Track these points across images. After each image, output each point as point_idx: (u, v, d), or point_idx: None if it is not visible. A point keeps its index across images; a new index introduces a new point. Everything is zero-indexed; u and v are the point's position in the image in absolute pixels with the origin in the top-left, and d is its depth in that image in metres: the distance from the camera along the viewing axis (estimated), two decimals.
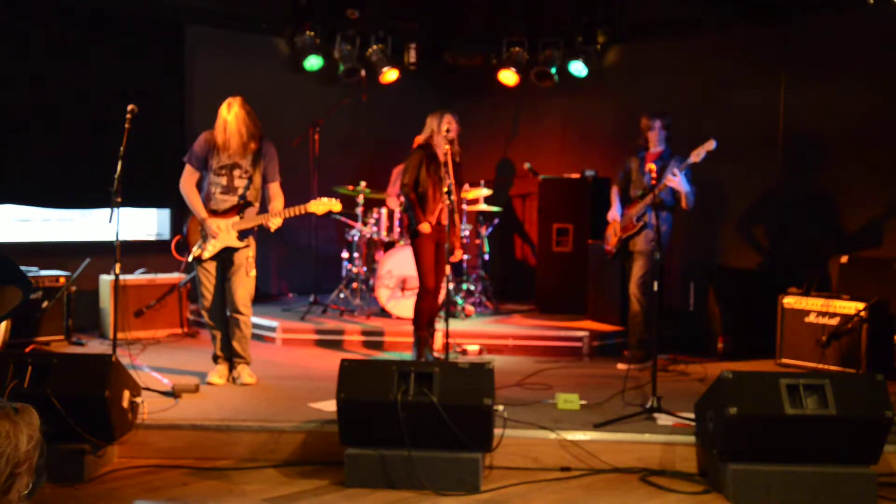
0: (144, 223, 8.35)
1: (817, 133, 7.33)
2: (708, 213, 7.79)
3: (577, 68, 8.69)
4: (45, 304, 6.84)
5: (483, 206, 8.26)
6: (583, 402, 5.11)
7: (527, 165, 8.75)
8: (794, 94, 7.43)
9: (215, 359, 5.74)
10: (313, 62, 8.77)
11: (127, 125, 5.20)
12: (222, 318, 5.69)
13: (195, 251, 5.59)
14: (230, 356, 5.71)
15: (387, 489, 4.16)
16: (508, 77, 8.97)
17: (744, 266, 7.42)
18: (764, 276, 7.18)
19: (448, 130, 6.10)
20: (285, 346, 7.21)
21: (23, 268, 5.11)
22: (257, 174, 5.55)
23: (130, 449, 4.52)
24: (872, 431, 4.07)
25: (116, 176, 5.11)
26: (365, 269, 7.94)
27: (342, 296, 8.07)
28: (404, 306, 7.41)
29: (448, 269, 6.06)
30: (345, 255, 8.20)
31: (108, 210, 5.11)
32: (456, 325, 6.94)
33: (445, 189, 5.94)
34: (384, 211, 7.96)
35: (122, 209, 5.16)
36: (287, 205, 5.58)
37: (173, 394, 5.13)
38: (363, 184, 8.04)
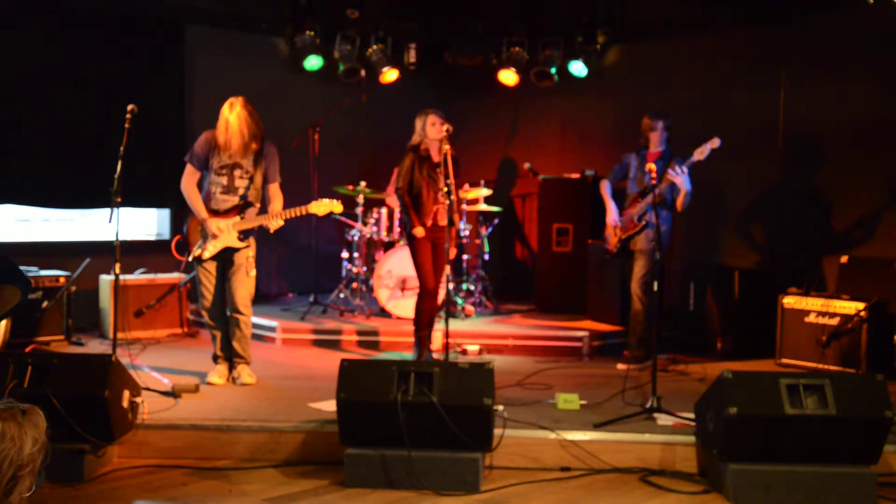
0: (144, 223, 8.35)
1: (817, 133, 7.32)
2: (708, 213, 7.79)
3: (577, 68, 8.69)
4: (45, 304, 6.84)
5: (483, 206, 8.25)
6: (583, 402, 5.11)
7: (527, 165, 8.75)
8: (794, 94, 7.43)
9: (215, 359, 5.74)
10: (313, 62, 8.77)
11: (127, 125, 5.20)
12: (222, 318, 5.69)
13: (195, 251, 5.59)
14: (230, 356, 5.71)
15: (387, 489, 4.16)
16: (508, 77, 8.97)
17: (744, 266, 7.42)
18: (764, 276, 7.17)
19: (435, 128, 6.09)
20: (285, 346, 7.21)
21: (23, 268, 5.12)
22: (258, 174, 5.55)
23: (130, 449, 4.52)
24: (872, 431, 4.07)
25: (116, 176, 5.11)
26: (365, 269, 7.94)
27: (342, 296, 8.07)
28: (404, 306, 7.40)
29: (448, 268, 6.06)
30: (345, 255, 8.20)
31: (108, 210, 5.11)
32: (456, 325, 6.94)
33: (445, 189, 5.93)
34: (384, 211, 7.96)
35: (122, 209, 5.17)
36: (287, 205, 5.58)
37: (173, 394, 5.13)
38: (363, 184, 8.04)
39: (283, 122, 8.16)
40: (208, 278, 5.63)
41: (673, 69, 8.23)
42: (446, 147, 6.01)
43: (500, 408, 4.62)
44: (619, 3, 8.65)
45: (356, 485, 4.19)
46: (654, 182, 5.89)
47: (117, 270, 5.20)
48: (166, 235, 8.36)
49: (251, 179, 5.55)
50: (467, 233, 8.01)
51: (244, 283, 5.61)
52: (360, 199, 7.99)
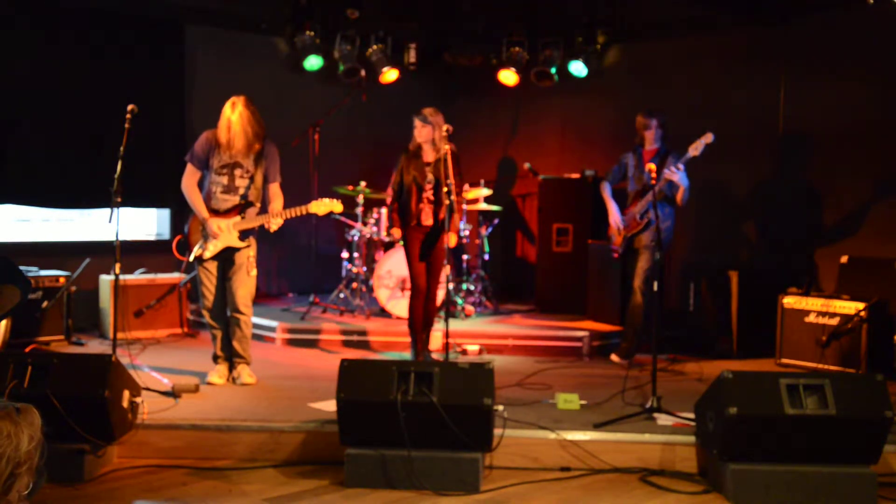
0: (144, 223, 8.35)
1: (817, 133, 7.33)
2: (708, 212, 7.80)
3: (577, 68, 8.69)
4: (45, 304, 6.83)
5: (483, 206, 8.25)
6: (583, 402, 5.12)
7: (527, 165, 8.75)
8: (794, 93, 7.43)
9: (215, 359, 5.74)
10: (313, 62, 8.77)
11: (127, 125, 5.20)
12: (223, 318, 5.69)
13: (196, 251, 5.60)
14: (230, 356, 5.71)
15: (387, 489, 4.16)
16: (508, 77, 8.96)
17: (744, 266, 7.42)
18: (764, 276, 7.17)
19: (417, 131, 6.11)
20: (285, 346, 7.20)
21: (23, 268, 5.12)
22: (258, 174, 5.55)
23: (130, 449, 4.52)
24: (872, 431, 4.07)
25: (116, 176, 5.11)
26: (365, 269, 7.93)
27: (342, 296, 8.07)
28: (404, 306, 7.38)
29: (448, 268, 6.05)
30: (345, 255, 8.20)
31: (108, 210, 5.11)
32: (456, 325, 6.94)
33: (445, 189, 5.92)
34: (384, 211, 7.95)
35: (122, 209, 5.16)
36: (287, 205, 5.58)
37: (173, 394, 5.13)
38: (363, 184, 8.03)
39: (283, 122, 8.15)
40: (209, 278, 5.63)
41: (673, 69, 8.23)
42: (446, 147, 6.01)
43: (500, 408, 4.62)
44: (619, 3, 8.65)
45: (356, 485, 4.19)
46: (653, 181, 5.88)
47: (117, 270, 5.20)
48: (166, 235, 8.36)
49: (251, 179, 5.55)
50: (467, 233, 8.01)
51: (245, 283, 5.61)
52: (360, 199, 7.99)
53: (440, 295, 6.48)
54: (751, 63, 7.73)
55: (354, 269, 7.99)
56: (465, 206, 7.96)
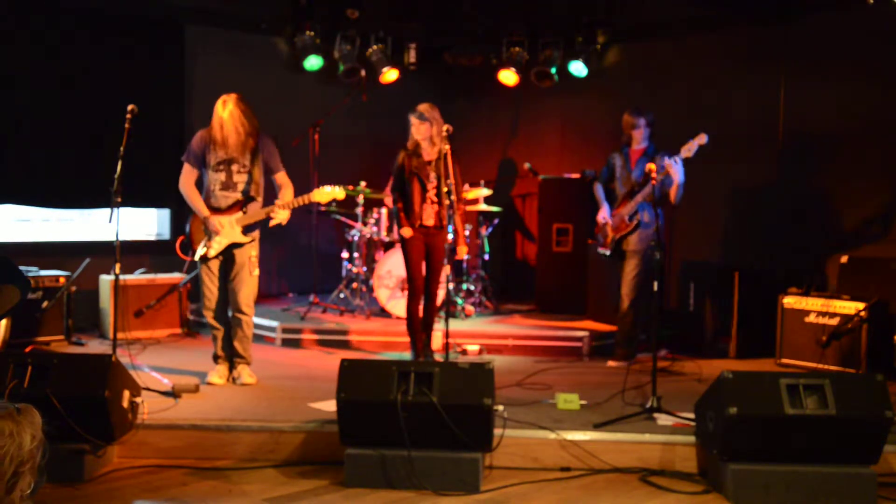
0: (144, 223, 8.35)
1: (817, 133, 7.33)
2: (708, 212, 7.80)
3: (577, 68, 8.69)
4: (45, 304, 6.83)
5: (483, 206, 8.25)
6: (583, 402, 5.11)
7: (527, 165, 8.75)
8: (794, 93, 7.43)
9: (216, 359, 5.74)
10: (313, 62, 8.77)
11: (127, 125, 5.20)
12: (224, 319, 5.69)
13: (200, 250, 5.59)
14: (231, 356, 5.71)
15: (387, 489, 4.16)
16: (508, 77, 8.96)
17: (744, 266, 7.42)
18: (764, 276, 7.17)
19: (415, 129, 6.06)
20: (285, 346, 7.20)
21: (23, 268, 5.13)
22: (256, 169, 5.56)
23: (130, 449, 4.52)
24: (872, 431, 4.07)
25: (116, 176, 5.11)
26: (365, 269, 7.93)
27: (342, 296, 8.07)
28: (404, 306, 7.37)
29: (448, 269, 6.04)
30: (345, 255, 8.20)
31: (108, 210, 5.11)
32: (456, 325, 6.93)
33: (445, 189, 5.92)
34: (384, 211, 7.96)
35: (122, 209, 5.17)
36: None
37: (173, 394, 5.13)
38: (363, 184, 8.03)
39: (283, 122, 8.15)
40: (211, 279, 5.63)
41: (673, 69, 8.23)
42: (446, 147, 5.98)
43: (500, 408, 4.62)
44: (619, 3, 8.65)
45: (356, 485, 4.19)
46: (654, 182, 5.87)
47: (117, 270, 5.20)
48: (166, 235, 8.36)
49: (249, 174, 5.56)
50: (467, 233, 8.00)
51: (247, 283, 5.61)
52: (360, 199, 7.99)
53: (440, 295, 6.47)
54: (751, 63, 7.73)
55: (354, 269, 7.99)
56: (465, 208, 7.96)
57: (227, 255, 5.60)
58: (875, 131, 6.98)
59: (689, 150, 5.92)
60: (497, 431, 4.36)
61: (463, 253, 6.40)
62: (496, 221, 8.59)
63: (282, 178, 5.66)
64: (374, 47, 8.86)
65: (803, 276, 6.82)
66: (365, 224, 7.97)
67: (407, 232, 6.13)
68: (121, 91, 7.32)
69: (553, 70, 8.78)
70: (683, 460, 4.47)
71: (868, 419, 4.05)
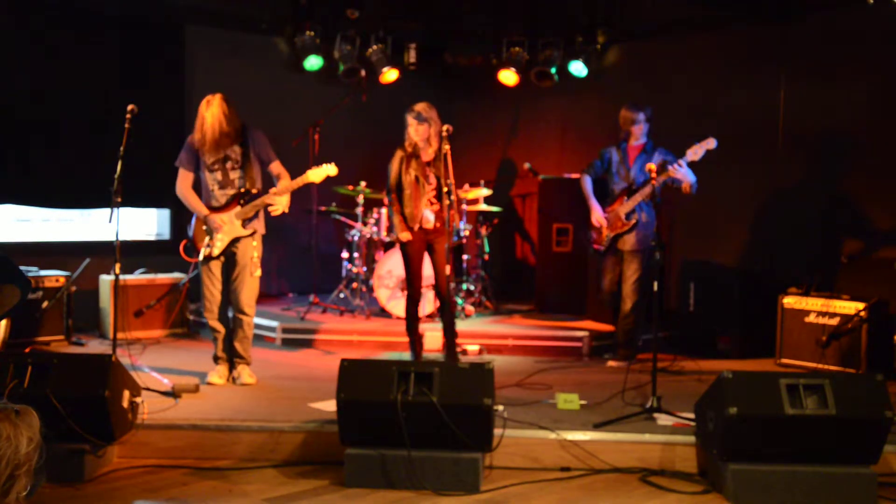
0: (144, 223, 8.35)
1: (817, 133, 7.32)
2: (708, 212, 7.79)
3: (577, 68, 8.69)
4: (45, 304, 6.83)
5: (483, 206, 8.25)
6: (583, 402, 5.11)
7: (527, 165, 8.74)
8: (794, 93, 7.43)
9: (216, 359, 5.74)
10: (313, 62, 8.77)
11: (127, 125, 5.21)
12: (225, 320, 5.70)
13: (204, 251, 5.59)
14: (231, 357, 5.71)
15: (387, 489, 4.16)
16: (508, 77, 8.96)
17: (744, 266, 7.42)
18: (764, 276, 7.17)
19: (413, 129, 5.97)
20: (285, 346, 7.20)
21: (23, 268, 5.12)
22: (249, 163, 5.56)
23: (130, 449, 4.52)
24: (872, 431, 4.07)
25: (116, 176, 5.11)
26: (365, 269, 7.93)
27: (342, 296, 8.07)
28: (404, 306, 7.38)
29: (448, 269, 6.00)
30: (345, 255, 8.20)
31: (108, 210, 5.11)
32: (456, 325, 6.91)
33: (445, 189, 5.89)
34: (384, 211, 7.94)
35: (122, 209, 5.17)
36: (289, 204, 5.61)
37: (173, 394, 5.13)
38: (363, 184, 8.03)
39: (283, 122, 8.16)
40: (212, 281, 5.63)
41: (673, 69, 8.23)
42: (446, 147, 5.95)
43: (500, 408, 4.63)
44: (619, 3, 8.65)
45: (356, 485, 4.19)
46: (653, 182, 5.85)
47: (117, 270, 5.20)
48: (166, 235, 8.36)
49: (244, 169, 5.57)
50: (467, 233, 8.00)
51: (248, 284, 5.61)
52: (360, 199, 7.99)
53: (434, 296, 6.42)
54: (751, 63, 7.72)
55: (354, 269, 7.99)
56: (465, 207, 7.96)
57: (229, 255, 5.60)
58: (875, 131, 6.98)
59: (695, 153, 5.83)
60: (497, 431, 4.36)
61: (456, 220, 6.26)
62: (496, 221, 8.57)
63: (277, 167, 5.66)
64: (374, 47, 8.86)
65: (803, 276, 6.82)
66: (365, 224, 7.97)
67: (406, 236, 6.03)
68: (121, 91, 7.33)
69: (553, 70, 8.78)
70: (683, 460, 4.47)
71: (868, 419, 4.05)
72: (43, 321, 6.85)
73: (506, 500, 4.07)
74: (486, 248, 8.43)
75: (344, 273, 8.23)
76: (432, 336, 6.67)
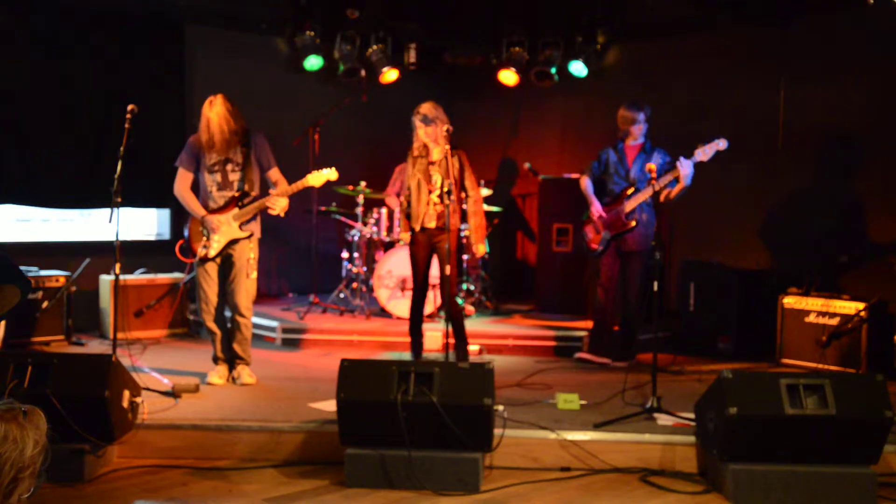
0: (144, 223, 8.35)
1: (817, 133, 7.32)
2: (708, 212, 7.80)
3: (577, 68, 8.68)
4: (45, 304, 6.83)
5: (483, 206, 8.23)
6: (583, 402, 5.12)
7: (527, 165, 8.74)
8: (794, 94, 7.43)
9: (215, 360, 5.74)
10: (313, 62, 8.77)
11: (127, 125, 5.21)
12: (222, 321, 5.70)
13: (201, 251, 5.59)
14: (231, 358, 5.71)
15: (387, 489, 4.16)
16: (508, 77, 8.96)
17: (744, 266, 7.42)
18: (764, 276, 7.18)
19: (421, 130, 5.97)
20: (285, 346, 7.20)
21: (23, 268, 5.12)
22: (249, 166, 5.57)
23: (130, 449, 4.52)
24: (872, 431, 4.07)
25: (116, 176, 5.12)
26: (365, 269, 7.93)
27: (342, 296, 8.07)
28: (404, 306, 7.38)
29: (448, 269, 6.00)
30: (345, 255, 8.20)
31: (108, 210, 5.11)
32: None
33: (446, 190, 5.90)
34: (384, 211, 7.96)
35: (122, 209, 5.17)
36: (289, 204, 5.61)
37: (173, 394, 5.13)
38: (363, 184, 8.03)
39: (283, 122, 8.16)
40: (208, 282, 5.63)
41: (673, 69, 8.23)
42: (446, 147, 5.95)
43: (500, 408, 4.63)
44: (619, 3, 8.65)
45: (356, 485, 4.19)
46: (653, 182, 5.84)
47: (117, 270, 5.20)
48: (166, 235, 8.36)
49: (244, 171, 5.57)
50: (468, 233, 7.99)
51: (245, 286, 5.61)
52: (360, 199, 7.99)
53: (437, 296, 6.42)
54: (750, 63, 7.72)
55: (354, 269, 7.99)
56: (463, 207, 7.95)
57: (226, 256, 5.60)
58: (875, 131, 6.98)
59: (705, 153, 5.76)
60: (497, 431, 4.36)
61: (481, 252, 6.32)
62: (496, 221, 8.57)
63: (275, 174, 5.66)
64: (374, 47, 8.85)
65: (803, 276, 6.82)
66: (365, 224, 7.97)
67: (405, 237, 6.14)
68: (121, 91, 7.33)
69: (553, 70, 8.77)
70: (683, 460, 4.47)
71: (868, 419, 4.05)
72: (43, 321, 6.85)
73: (506, 500, 4.08)
74: (487, 248, 8.42)
75: (344, 273, 8.23)
76: (432, 336, 6.67)
